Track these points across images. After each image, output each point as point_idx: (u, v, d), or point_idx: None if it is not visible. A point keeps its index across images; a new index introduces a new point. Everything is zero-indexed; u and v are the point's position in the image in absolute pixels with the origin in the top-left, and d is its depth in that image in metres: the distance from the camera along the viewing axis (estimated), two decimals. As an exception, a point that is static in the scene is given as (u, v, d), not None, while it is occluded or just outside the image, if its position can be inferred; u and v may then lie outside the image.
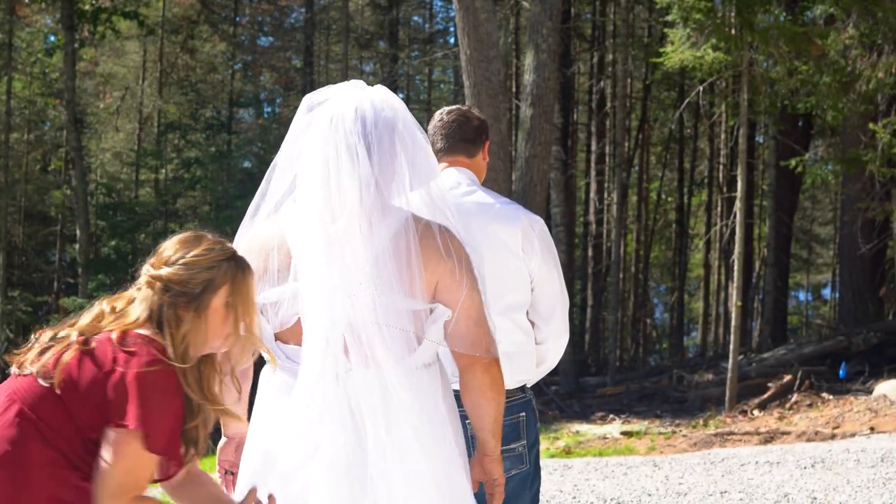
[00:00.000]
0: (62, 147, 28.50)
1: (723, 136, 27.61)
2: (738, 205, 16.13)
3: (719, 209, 27.49)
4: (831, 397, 15.13)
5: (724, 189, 26.96)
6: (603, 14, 28.09)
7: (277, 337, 3.13)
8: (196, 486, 3.12)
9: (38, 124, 29.92)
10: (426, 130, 3.63)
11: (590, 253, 29.69)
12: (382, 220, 3.01)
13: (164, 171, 28.16)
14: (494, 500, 3.22)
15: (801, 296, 41.80)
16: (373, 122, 3.04)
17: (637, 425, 14.70)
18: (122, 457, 2.81)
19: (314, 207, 3.01)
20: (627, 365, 28.10)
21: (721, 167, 28.23)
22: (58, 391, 2.85)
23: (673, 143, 31.25)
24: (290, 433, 3.01)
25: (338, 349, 3.00)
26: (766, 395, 15.48)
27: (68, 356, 2.88)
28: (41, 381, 2.87)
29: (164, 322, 2.91)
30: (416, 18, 34.53)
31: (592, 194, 29.07)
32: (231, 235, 3.19)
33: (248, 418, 3.27)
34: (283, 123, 27.75)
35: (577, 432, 14.43)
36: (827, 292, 40.63)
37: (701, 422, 14.52)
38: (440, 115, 3.96)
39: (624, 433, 14.02)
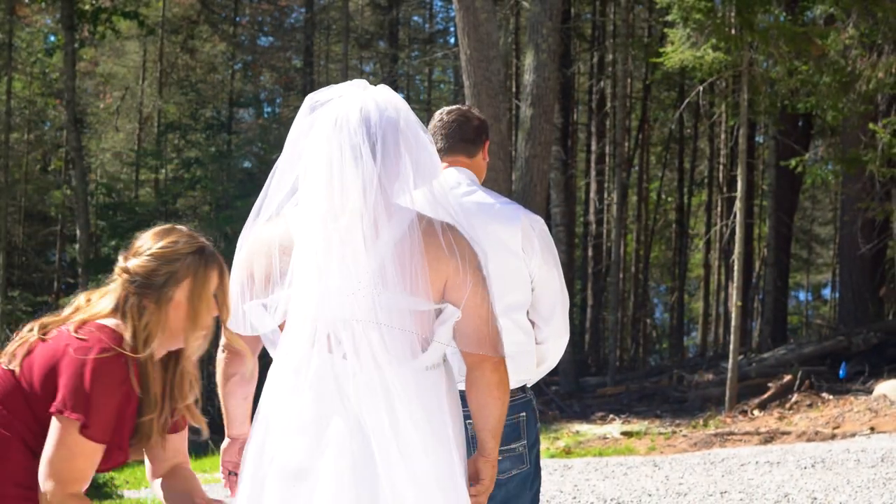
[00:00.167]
0: (62, 147, 28.51)
1: (723, 136, 27.62)
2: (738, 205, 16.14)
3: (719, 209, 27.50)
4: (831, 397, 15.13)
5: (724, 189, 26.97)
6: (603, 14, 28.10)
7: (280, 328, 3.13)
8: (176, 480, 3.17)
9: (38, 124, 29.93)
10: (426, 130, 3.62)
11: (590, 253, 29.70)
12: (388, 221, 3.01)
13: (164, 171, 28.18)
14: (479, 500, 3.19)
15: (801, 296, 41.81)
16: (377, 122, 3.04)
17: (637, 425, 14.71)
18: (60, 445, 2.87)
19: (317, 207, 3.01)
20: (627, 365, 28.11)
21: (721, 167, 28.24)
22: (20, 380, 2.95)
23: (673, 143, 31.25)
24: (292, 432, 3.01)
25: (322, 345, 2.99)
26: (766, 396, 15.48)
27: (29, 346, 2.97)
28: (12, 372, 2.97)
29: (126, 312, 2.96)
30: (416, 18, 34.55)
31: (592, 194, 29.08)
32: (231, 235, 3.21)
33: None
34: (283, 123, 27.77)
35: (578, 432, 14.44)
36: (827, 292, 40.64)
37: (701, 422, 14.52)
38: (440, 115, 3.95)
39: (624, 433, 14.03)
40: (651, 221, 31.05)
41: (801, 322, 38.57)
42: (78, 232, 23.49)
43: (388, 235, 3.00)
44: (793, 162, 17.62)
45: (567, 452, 12.70)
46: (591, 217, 29.30)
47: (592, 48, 28.57)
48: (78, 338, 2.91)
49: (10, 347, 3.03)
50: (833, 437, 12.74)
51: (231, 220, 23.12)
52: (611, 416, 15.76)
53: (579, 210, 30.88)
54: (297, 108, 3.16)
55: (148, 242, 3.02)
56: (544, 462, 10.41)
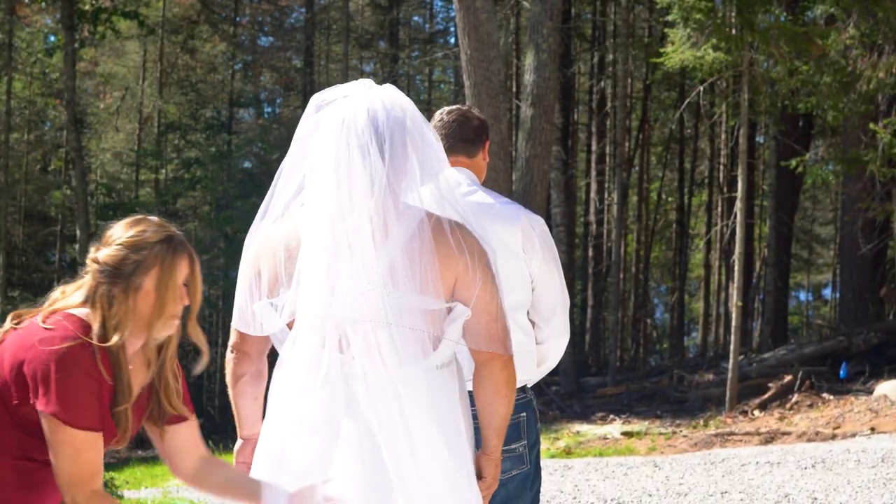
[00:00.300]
0: (62, 147, 28.50)
1: (723, 136, 27.62)
2: (738, 205, 16.13)
3: (720, 209, 27.50)
4: (832, 397, 15.12)
5: (725, 189, 26.96)
6: (603, 14, 28.10)
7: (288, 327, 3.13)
8: (216, 467, 3.18)
9: (38, 124, 29.93)
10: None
11: (590, 253, 29.69)
12: (397, 220, 3.01)
13: (164, 171, 28.18)
14: (482, 498, 3.19)
15: (802, 296, 41.81)
16: (384, 122, 3.05)
17: (637, 425, 14.70)
18: (60, 446, 2.89)
19: (325, 207, 3.01)
20: (628, 365, 28.10)
21: (721, 167, 28.23)
22: None
23: (673, 144, 31.25)
24: (303, 433, 3.00)
25: (333, 346, 2.99)
26: (766, 396, 15.48)
27: (2, 335, 3.00)
28: None
29: (96, 301, 2.98)
30: (416, 18, 34.56)
31: (593, 194, 29.07)
32: (231, 235, 3.20)
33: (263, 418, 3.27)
34: (283, 123, 27.77)
35: (578, 432, 14.44)
36: (827, 292, 40.64)
37: (701, 422, 14.51)
38: (440, 115, 3.95)
39: (624, 433, 14.02)
40: (651, 221, 31.05)
41: (801, 322, 38.58)
42: (78, 232, 23.48)
43: (397, 235, 3.00)
44: (793, 162, 17.62)
45: (567, 453, 12.69)
46: (592, 217, 29.29)
47: (593, 48, 28.57)
48: (44, 328, 2.93)
49: None
50: (833, 437, 12.74)
51: (231, 220, 23.10)
52: (611, 416, 15.75)
53: (579, 210, 30.87)
54: (298, 108, 3.16)
55: (118, 232, 3.04)
56: (544, 462, 10.40)
